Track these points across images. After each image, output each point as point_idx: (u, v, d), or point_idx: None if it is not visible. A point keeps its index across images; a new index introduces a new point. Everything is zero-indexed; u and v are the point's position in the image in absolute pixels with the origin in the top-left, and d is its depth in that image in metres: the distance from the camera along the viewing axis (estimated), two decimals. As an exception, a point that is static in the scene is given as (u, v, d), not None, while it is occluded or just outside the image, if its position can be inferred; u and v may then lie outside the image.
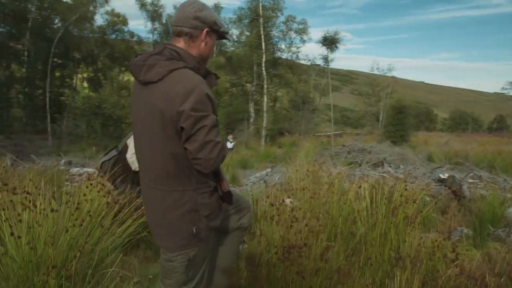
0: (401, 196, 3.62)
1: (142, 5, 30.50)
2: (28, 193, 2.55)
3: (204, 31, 1.80)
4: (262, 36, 25.69)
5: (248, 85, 30.27)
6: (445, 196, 5.48)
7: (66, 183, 5.11)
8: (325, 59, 24.76)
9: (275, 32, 28.37)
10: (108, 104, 23.11)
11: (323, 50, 24.55)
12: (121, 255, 2.63)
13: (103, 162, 3.62)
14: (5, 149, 14.31)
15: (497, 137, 26.73)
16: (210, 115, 1.66)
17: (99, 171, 3.61)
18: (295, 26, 28.85)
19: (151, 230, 1.97)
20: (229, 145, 17.27)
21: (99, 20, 48.96)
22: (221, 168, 1.95)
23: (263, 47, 25.70)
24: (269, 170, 11.22)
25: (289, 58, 30.02)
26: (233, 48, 29.89)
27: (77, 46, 28.37)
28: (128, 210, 3.09)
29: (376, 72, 42.64)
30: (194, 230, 1.80)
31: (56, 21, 27.19)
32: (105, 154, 3.69)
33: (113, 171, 3.47)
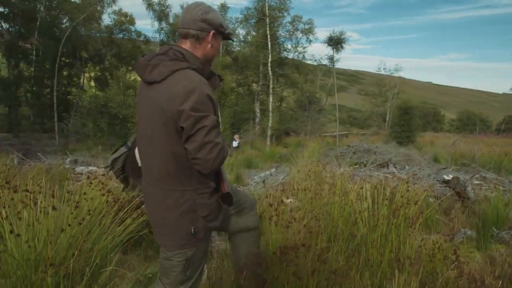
0: (402, 197, 3.60)
1: (149, 5, 30.58)
2: (28, 191, 2.57)
3: (211, 33, 1.84)
4: (269, 36, 25.65)
5: (254, 85, 30.25)
6: (448, 198, 5.44)
7: (71, 181, 5.14)
8: (331, 59, 24.62)
9: (281, 32, 28.34)
10: (114, 103, 23.22)
11: (329, 50, 24.43)
12: (116, 254, 2.63)
13: (114, 159, 3.63)
14: (13, 147, 14.43)
15: (505, 138, 26.45)
16: (210, 116, 1.68)
17: (110, 169, 3.62)
18: (301, 26, 28.82)
19: (151, 228, 1.99)
20: (234, 143, 17.28)
21: (107, 19, 49.28)
22: (222, 169, 1.96)
23: (269, 47, 25.65)
24: (273, 170, 11.20)
25: (295, 58, 29.97)
26: (239, 48, 29.89)
27: (85, 45, 28.56)
28: (128, 209, 3.10)
29: (383, 72, 42.50)
30: (193, 230, 1.82)
31: (64, 20, 27.43)
32: (115, 151, 3.70)
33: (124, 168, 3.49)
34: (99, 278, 2.46)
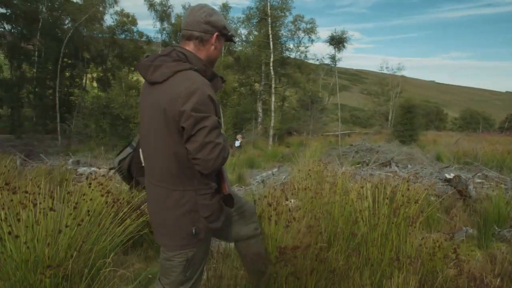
0: (403, 196, 3.58)
1: (151, 5, 30.60)
2: (27, 192, 2.58)
3: (214, 35, 1.86)
4: (270, 36, 25.65)
5: (256, 84, 30.24)
6: (450, 196, 5.42)
7: (71, 182, 5.15)
8: (333, 58, 24.60)
9: (283, 32, 28.34)
10: (116, 104, 23.26)
11: (330, 50, 24.38)
12: (114, 254, 2.63)
13: (120, 161, 3.62)
14: (15, 148, 14.50)
15: (509, 136, 26.33)
16: (211, 117, 1.68)
17: (115, 170, 3.60)
18: (303, 25, 28.77)
19: (152, 228, 1.99)
20: (237, 143, 17.29)
21: (109, 20, 49.32)
22: (224, 170, 1.97)
23: (271, 46, 25.65)
24: (275, 169, 11.20)
25: (298, 57, 29.93)
26: (241, 48, 29.88)
27: (87, 46, 28.62)
28: (128, 209, 3.10)
29: (385, 71, 42.39)
30: (194, 230, 1.82)
31: (66, 21, 27.50)
32: (120, 152, 3.69)
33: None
34: (99, 279, 2.45)
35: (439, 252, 2.81)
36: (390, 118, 38.09)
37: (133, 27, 32.59)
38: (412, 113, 22.91)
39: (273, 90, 26.20)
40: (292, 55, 29.70)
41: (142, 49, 33.09)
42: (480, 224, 4.24)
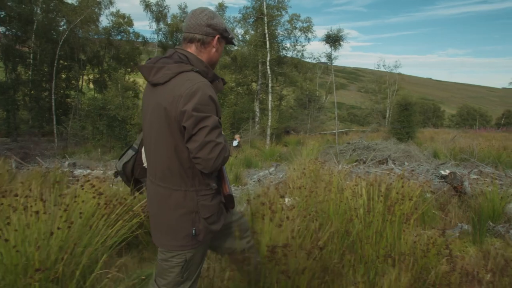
0: (397, 193, 3.58)
1: (147, 6, 30.56)
2: (17, 195, 2.56)
3: (216, 37, 1.91)
4: (267, 35, 25.63)
5: (254, 84, 30.21)
6: (445, 193, 5.42)
7: (65, 185, 5.13)
8: (329, 56, 24.59)
9: (279, 31, 28.30)
10: (112, 105, 23.19)
11: (327, 48, 24.35)
12: (107, 256, 2.61)
13: (124, 164, 3.59)
14: (11, 151, 14.43)
15: (505, 132, 26.41)
16: (212, 117, 1.71)
17: (119, 174, 3.56)
18: (299, 24, 28.77)
19: (151, 227, 2.00)
20: (235, 143, 17.26)
21: (105, 21, 49.17)
22: (225, 170, 1.99)
23: (268, 45, 25.64)
24: (272, 169, 11.19)
25: (294, 56, 29.91)
26: (238, 47, 29.85)
27: (83, 47, 28.52)
28: (120, 211, 3.08)
29: (382, 69, 42.43)
30: (194, 231, 1.84)
31: (62, 23, 27.35)
32: (122, 156, 3.66)
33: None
34: (90, 281, 2.44)
35: (433, 249, 2.81)
36: (387, 115, 38.14)
37: (129, 28, 32.58)
38: (409, 110, 22.95)
39: (270, 90, 26.16)
40: (289, 54, 29.71)
41: (138, 50, 33.07)
42: (474, 220, 4.24)
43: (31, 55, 24.67)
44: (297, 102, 33.42)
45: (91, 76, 32.83)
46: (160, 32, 31.91)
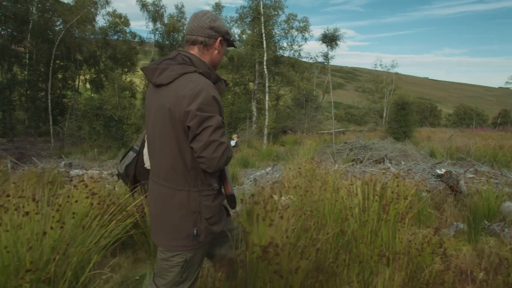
0: (392, 192, 3.58)
1: (143, 6, 30.51)
2: (9, 196, 2.54)
3: (218, 40, 1.95)
4: (264, 35, 25.60)
5: (251, 84, 30.18)
6: (441, 192, 5.43)
7: (59, 185, 5.10)
8: (326, 56, 24.57)
9: (276, 31, 28.27)
10: (109, 105, 23.11)
11: (324, 48, 24.33)
12: (100, 256, 2.59)
13: (127, 166, 3.58)
14: (7, 152, 14.38)
15: (501, 131, 26.50)
16: (216, 116, 1.74)
17: (121, 177, 3.54)
18: (296, 24, 28.75)
19: (152, 227, 2.00)
20: (232, 143, 17.25)
21: (101, 21, 49.05)
22: (226, 171, 2.01)
23: (265, 45, 25.61)
24: (269, 168, 11.18)
25: (291, 56, 29.89)
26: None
27: (79, 47, 28.46)
28: (114, 210, 3.06)
29: (379, 68, 42.50)
30: (195, 231, 1.85)
31: (58, 23, 27.27)
32: (123, 158, 3.65)
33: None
34: (83, 282, 2.42)
35: (427, 248, 2.80)
36: (384, 115, 38.22)
37: (125, 28, 32.53)
38: (406, 110, 22.97)
39: (267, 89, 26.14)
40: (286, 54, 29.69)
41: (135, 49, 33.01)
42: (470, 218, 4.25)
43: (27, 55, 24.60)
44: (294, 101, 33.45)
45: (87, 76, 32.75)
46: (157, 32, 31.95)
